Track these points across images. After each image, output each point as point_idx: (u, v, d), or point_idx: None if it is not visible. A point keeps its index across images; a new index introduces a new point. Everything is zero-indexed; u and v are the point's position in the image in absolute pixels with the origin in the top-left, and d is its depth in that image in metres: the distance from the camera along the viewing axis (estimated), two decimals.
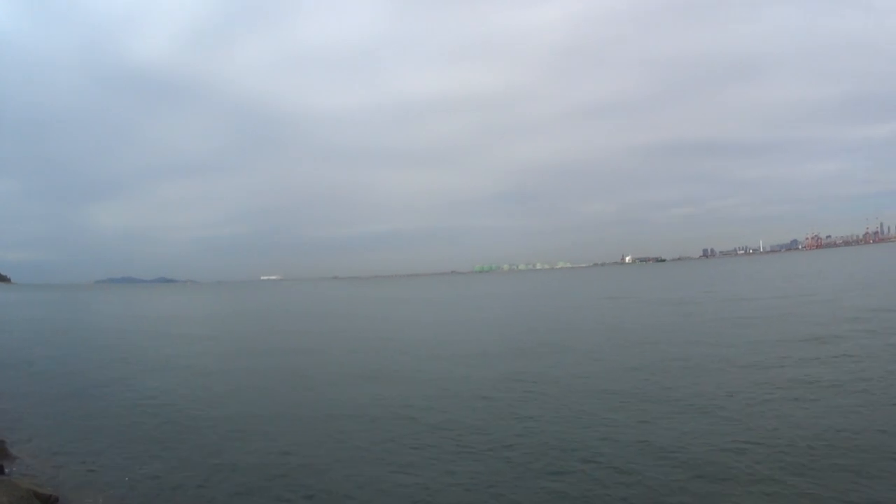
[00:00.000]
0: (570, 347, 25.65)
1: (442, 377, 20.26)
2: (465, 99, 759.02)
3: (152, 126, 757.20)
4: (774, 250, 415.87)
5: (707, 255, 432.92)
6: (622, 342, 26.34)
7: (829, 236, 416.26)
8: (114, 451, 13.18)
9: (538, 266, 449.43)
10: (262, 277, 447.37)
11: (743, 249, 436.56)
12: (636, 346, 25.11)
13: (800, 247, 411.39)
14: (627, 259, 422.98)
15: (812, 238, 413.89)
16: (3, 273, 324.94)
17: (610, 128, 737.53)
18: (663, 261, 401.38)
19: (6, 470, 11.82)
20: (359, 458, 12.18)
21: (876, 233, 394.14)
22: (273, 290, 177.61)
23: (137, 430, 14.84)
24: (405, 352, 27.05)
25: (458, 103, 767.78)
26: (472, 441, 12.90)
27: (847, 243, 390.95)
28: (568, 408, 15.21)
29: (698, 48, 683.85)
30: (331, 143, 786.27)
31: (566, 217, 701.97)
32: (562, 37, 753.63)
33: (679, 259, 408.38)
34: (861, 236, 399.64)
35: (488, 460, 11.70)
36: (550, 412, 14.88)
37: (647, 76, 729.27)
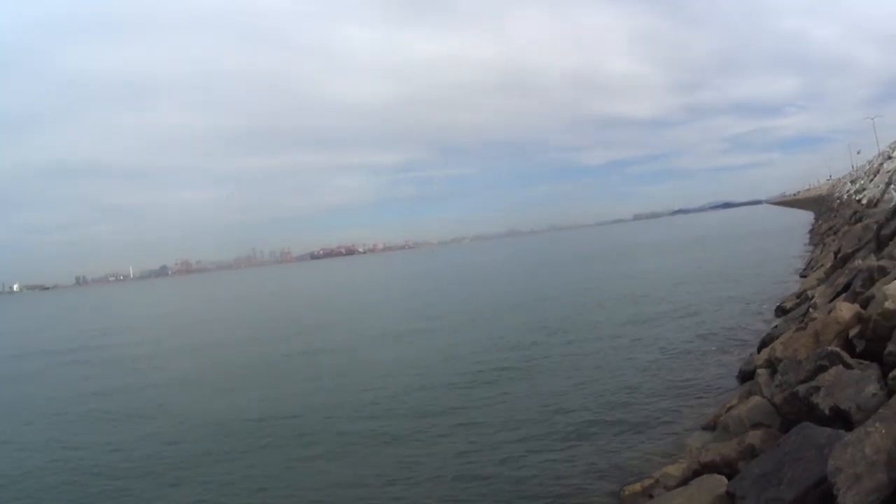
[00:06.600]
0: None
1: None
2: None
3: None
4: (145, 276, 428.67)
5: (80, 282, 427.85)
6: None
7: (199, 261, 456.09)
8: None
9: None
10: None
11: (114, 276, 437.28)
12: None
13: (169, 272, 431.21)
14: (15, 287, 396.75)
15: (181, 263, 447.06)
16: None
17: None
18: (48, 288, 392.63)
19: None
20: None
21: (249, 257, 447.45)
22: None
23: None
24: None
25: None
26: None
27: (220, 268, 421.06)
28: None
29: (90, 66, 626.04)
30: None
31: None
32: None
33: (55, 287, 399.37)
34: (233, 261, 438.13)
35: None
36: None
37: (43, 91, 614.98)
